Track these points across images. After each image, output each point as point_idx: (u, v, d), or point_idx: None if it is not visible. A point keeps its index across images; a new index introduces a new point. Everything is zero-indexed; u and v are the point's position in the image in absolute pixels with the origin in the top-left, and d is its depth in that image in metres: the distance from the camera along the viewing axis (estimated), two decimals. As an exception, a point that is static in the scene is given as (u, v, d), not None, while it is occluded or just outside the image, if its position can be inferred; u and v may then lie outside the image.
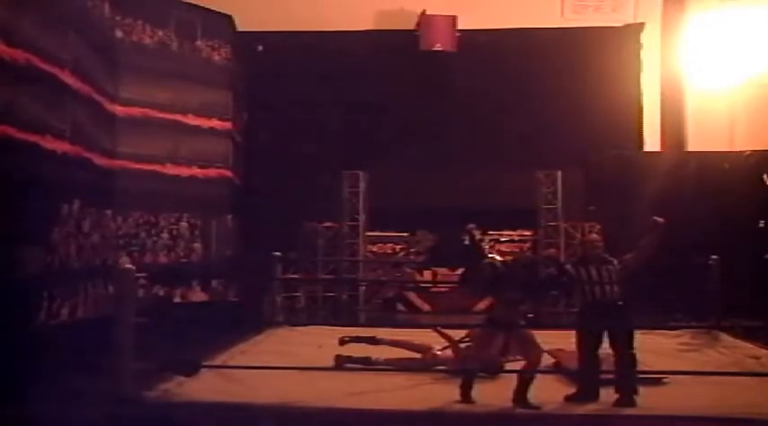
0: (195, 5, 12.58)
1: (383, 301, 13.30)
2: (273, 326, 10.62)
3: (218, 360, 7.58)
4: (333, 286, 13.13)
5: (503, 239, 13.34)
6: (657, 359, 7.78)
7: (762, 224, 12.59)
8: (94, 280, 9.94)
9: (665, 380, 6.84)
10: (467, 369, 6.55)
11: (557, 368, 7.41)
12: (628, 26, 14.24)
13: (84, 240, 9.68)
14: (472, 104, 13.84)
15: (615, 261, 6.41)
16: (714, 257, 10.30)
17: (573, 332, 6.58)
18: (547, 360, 7.07)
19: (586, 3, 14.62)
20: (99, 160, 10.38)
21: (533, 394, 6.11)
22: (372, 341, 8.16)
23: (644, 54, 14.15)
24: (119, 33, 11.35)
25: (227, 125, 13.05)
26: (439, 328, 8.02)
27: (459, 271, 10.00)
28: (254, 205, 13.48)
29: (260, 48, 14.15)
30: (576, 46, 13.85)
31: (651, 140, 14.20)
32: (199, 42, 12.68)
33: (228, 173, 13.11)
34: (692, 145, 13.91)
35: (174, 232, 12.22)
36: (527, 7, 14.17)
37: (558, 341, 7.61)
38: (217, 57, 12.97)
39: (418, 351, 7.86)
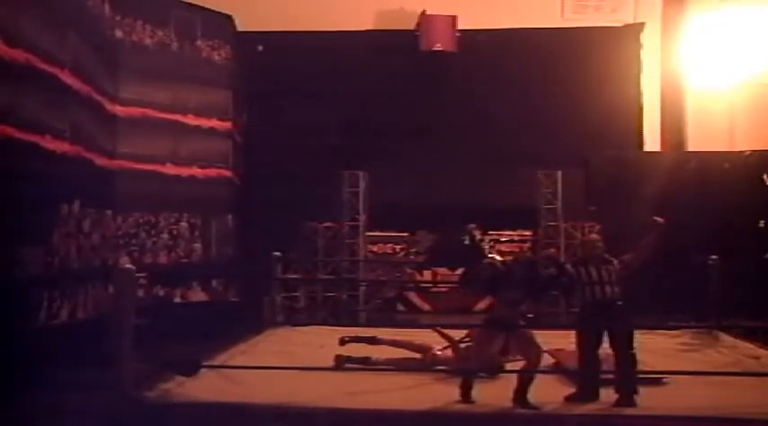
0: (195, 5, 12.60)
1: (383, 301, 13.28)
2: (273, 326, 10.59)
3: (218, 360, 7.56)
4: (333, 286, 13.11)
5: (503, 239, 13.30)
6: (657, 359, 7.76)
7: (762, 224, 12.58)
8: (94, 280, 9.95)
9: (665, 380, 6.83)
10: (467, 369, 6.55)
11: (557, 368, 7.40)
12: (628, 26, 14.22)
13: (85, 240, 9.69)
14: (472, 104, 13.85)
15: (615, 261, 6.40)
16: (714, 257, 10.29)
17: (573, 332, 6.58)
18: (547, 360, 7.06)
19: (586, 3, 14.62)
20: (99, 160, 10.40)
21: (533, 394, 6.10)
22: (372, 341, 8.15)
23: (644, 54, 14.13)
24: (119, 33, 11.37)
25: (227, 125, 13.07)
26: (439, 328, 8.02)
27: (459, 271, 9.99)
28: (254, 205, 13.47)
29: (260, 48, 14.14)
30: (576, 46, 13.84)
31: (651, 140, 14.20)
32: (199, 42, 12.70)
33: (228, 173, 13.12)
34: (692, 145, 13.91)
35: (174, 232, 12.23)
36: (527, 7, 14.16)
37: (558, 341, 7.60)
38: (217, 57, 12.99)
39: (418, 351, 7.85)
